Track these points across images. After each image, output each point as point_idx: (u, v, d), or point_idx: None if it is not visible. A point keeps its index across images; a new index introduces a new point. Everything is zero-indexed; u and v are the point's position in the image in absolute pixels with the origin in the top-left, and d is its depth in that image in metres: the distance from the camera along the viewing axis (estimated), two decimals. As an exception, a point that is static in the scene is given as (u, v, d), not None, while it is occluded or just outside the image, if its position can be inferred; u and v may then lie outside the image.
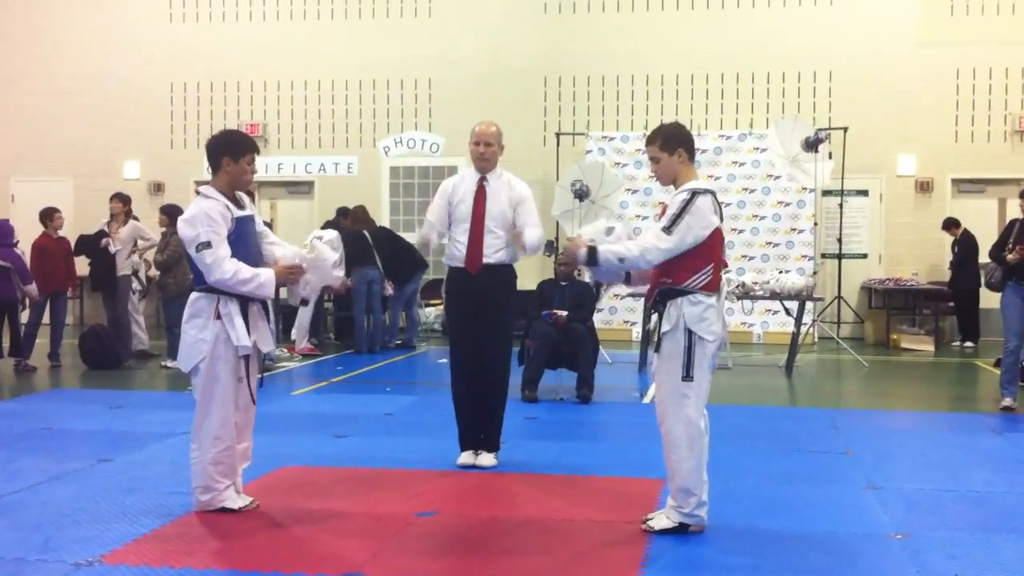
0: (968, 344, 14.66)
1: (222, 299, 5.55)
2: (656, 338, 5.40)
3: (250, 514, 5.66)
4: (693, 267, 5.28)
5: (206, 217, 5.50)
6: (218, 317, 5.53)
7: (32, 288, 11.75)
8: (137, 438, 8.08)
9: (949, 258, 14.95)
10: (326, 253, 5.92)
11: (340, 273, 6.04)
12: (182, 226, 5.57)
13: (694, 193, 5.27)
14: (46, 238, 12.32)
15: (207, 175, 5.81)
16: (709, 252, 5.31)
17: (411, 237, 14.57)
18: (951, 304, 15.13)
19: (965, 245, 14.53)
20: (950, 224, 14.87)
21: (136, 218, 13.23)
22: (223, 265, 5.44)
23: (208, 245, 5.44)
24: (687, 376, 5.25)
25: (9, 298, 11.62)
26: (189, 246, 5.51)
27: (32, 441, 7.87)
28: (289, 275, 5.72)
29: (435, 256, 13.08)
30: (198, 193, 5.70)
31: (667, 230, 5.23)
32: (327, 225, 14.04)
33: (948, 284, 14.97)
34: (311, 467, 6.90)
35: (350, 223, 13.67)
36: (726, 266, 5.51)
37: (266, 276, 5.58)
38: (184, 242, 5.58)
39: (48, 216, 12.49)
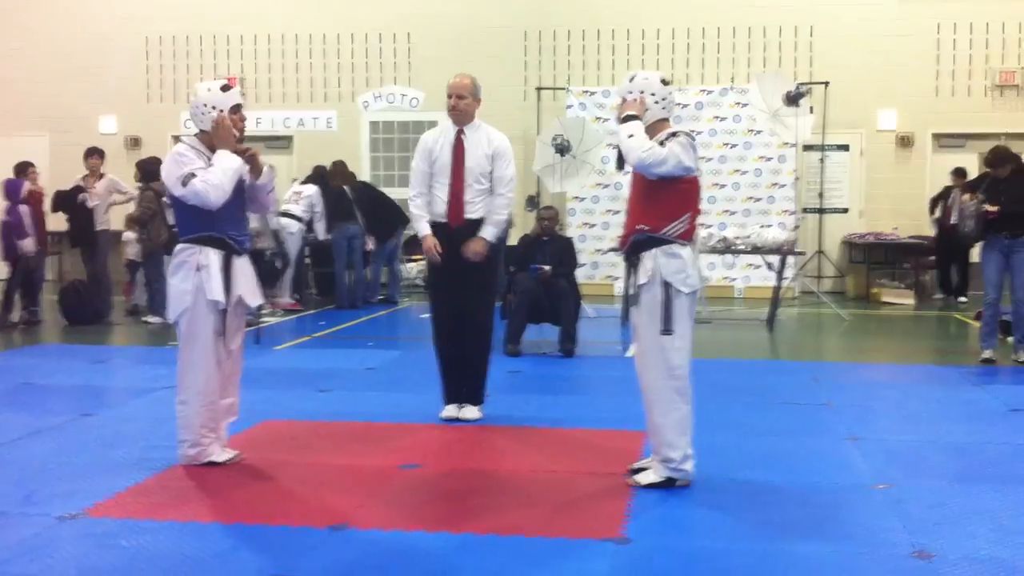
0: (963, 299, 14.48)
1: (203, 250, 5.52)
2: (633, 291, 5.38)
3: (235, 467, 5.66)
4: (671, 214, 5.25)
5: (179, 156, 5.51)
6: (199, 269, 5.50)
7: (26, 243, 11.64)
8: (119, 393, 8.08)
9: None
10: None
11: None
12: (163, 174, 5.56)
13: (676, 132, 5.26)
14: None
15: (184, 129, 5.76)
16: (687, 199, 5.29)
17: (392, 192, 14.52)
18: (932, 258, 15.15)
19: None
20: (961, 173, 14.51)
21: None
22: (212, 179, 5.40)
23: (193, 175, 5.41)
24: (666, 330, 5.23)
25: (12, 253, 11.58)
26: (175, 188, 5.45)
27: (12, 396, 7.84)
28: (229, 140, 5.57)
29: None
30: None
31: (661, 144, 5.19)
32: (306, 181, 13.99)
33: (940, 235, 14.68)
34: (295, 421, 6.89)
35: (331, 178, 13.60)
36: (700, 214, 5.47)
37: (225, 155, 5.50)
38: (169, 188, 5.53)
39: (23, 170, 12.34)
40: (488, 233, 6.74)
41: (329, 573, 4.18)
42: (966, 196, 9.42)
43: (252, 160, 5.66)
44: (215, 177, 5.42)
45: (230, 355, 5.72)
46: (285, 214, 13.12)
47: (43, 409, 7.22)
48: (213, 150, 5.57)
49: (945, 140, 15.77)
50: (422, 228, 6.88)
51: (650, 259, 5.26)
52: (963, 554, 4.40)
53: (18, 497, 5.11)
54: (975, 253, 11.94)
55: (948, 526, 4.77)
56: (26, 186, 11.80)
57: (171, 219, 11.18)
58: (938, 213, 14.47)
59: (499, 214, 6.77)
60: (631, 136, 5.24)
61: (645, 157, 5.18)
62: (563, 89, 15.95)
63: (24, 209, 11.64)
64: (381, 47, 16.89)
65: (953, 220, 13.64)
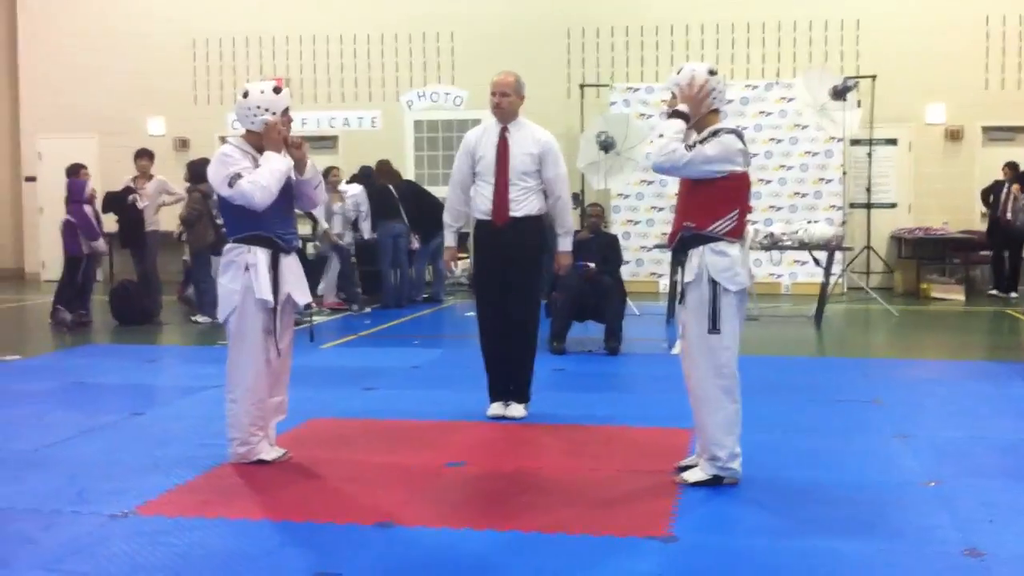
0: (1014, 294, 14.29)
1: (252, 250, 5.56)
2: (680, 288, 5.36)
3: (282, 465, 5.70)
4: (716, 211, 5.20)
5: (225, 157, 5.54)
6: (247, 268, 5.54)
7: (98, 243, 11.88)
8: (169, 392, 8.17)
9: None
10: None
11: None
12: (209, 175, 5.60)
13: (720, 130, 5.22)
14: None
15: (231, 130, 5.81)
16: (733, 196, 5.23)
17: (436, 191, 14.53)
18: (983, 253, 14.95)
19: None
20: (1013, 167, 14.45)
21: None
22: (259, 180, 5.44)
23: (239, 175, 5.44)
24: (714, 328, 5.20)
25: (75, 253, 11.73)
26: (221, 188, 5.49)
27: (65, 396, 7.95)
28: (279, 142, 5.61)
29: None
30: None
31: (689, 148, 5.17)
32: (352, 180, 14.06)
33: (991, 230, 14.61)
34: (341, 419, 6.94)
35: (376, 177, 13.66)
36: (750, 211, 5.42)
37: (271, 156, 5.55)
38: (215, 188, 5.58)
39: (74, 172, 12.49)
40: (565, 244, 6.89)
41: (376, 570, 4.20)
42: (1015, 188, 9.30)
43: (298, 153, 5.68)
44: (263, 178, 5.45)
45: (280, 354, 5.76)
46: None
47: (94, 408, 7.32)
48: (260, 150, 5.61)
49: (995, 133, 15.56)
50: (448, 238, 7.01)
51: (697, 257, 5.23)
52: (1014, 552, 4.35)
53: (70, 495, 5.18)
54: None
55: (999, 524, 4.71)
56: (90, 186, 11.97)
57: (219, 220, 11.34)
58: (989, 207, 14.38)
59: (565, 219, 6.85)
60: (660, 136, 5.25)
61: (662, 161, 5.22)
62: (607, 86, 15.91)
63: (89, 209, 11.80)
64: (424, 46, 16.95)
65: (1008, 215, 13.43)
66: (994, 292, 14.52)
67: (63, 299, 11.87)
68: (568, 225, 6.86)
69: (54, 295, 11.98)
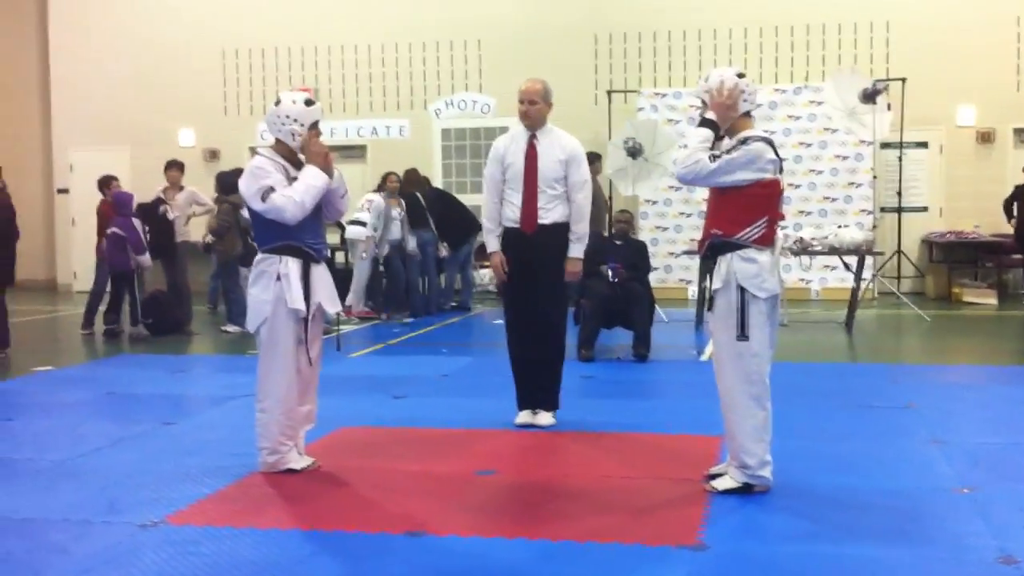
0: None
1: (283, 260, 5.57)
2: (708, 295, 5.34)
3: (312, 474, 5.71)
4: (742, 219, 5.18)
5: (257, 170, 5.55)
6: (279, 278, 5.55)
7: (145, 258, 11.85)
8: (199, 401, 8.21)
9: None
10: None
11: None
12: (241, 188, 5.60)
13: (748, 139, 5.19)
14: (105, 205, 12.47)
15: (261, 141, 5.83)
16: (762, 204, 5.20)
17: (464, 199, 14.55)
18: (1016, 256, 14.78)
19: None
20: None
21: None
22: (294, 196, 5.46)
23: (272, 188, 5.46)
24: (742, 335, 5.17)
25: (126, 267, 11.72)
26: (253, 201, 5.50)
27: (96, 406, 8.01)
28: (321, 157, 5.63)
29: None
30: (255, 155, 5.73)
31: (712, 159, 5.16)
32: (378, 188, 14.08)
33: (1020, 235, 14.11)
34: (370, 427, 6.95)
35: (404, 186, 13.67)
36: (783, 219, 5.40)
37: (310, 170, 5.56)
38: (247, 201, 5.58)
39: (106, 184, 12.62)
40: (577, 251, 6.81)
41: (406, 579, 4.20)
42: None
43: (325, 161, 5.70)
44: (298, 194, 5.47)
45: (311, 363, 5.77)
46: (356, 222, 13.22)
47: (126, 418, 7.36)
48: (290, 160, 5.63)
49: (1027, 135, 15.41)
50: (491, 243, 6.92)
51: (725, 263, 5.21)
52: (1051, 560, 4.29)
53: (101, 505, 5.21)
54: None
55: (1035, 531, 4.66)
56: (135, 199, 11.99)
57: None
58: (1015, 213, 14.02)
59: (582, 226, 6.78)
60: (686, 145, 5.24)
61: (685, 172, 5.24)
62: (634, 91, 15.88)
63: (137, 223, 11.82)
64: (452, 54, 16.98)
65: None
66: None
67: (115, 313, 11.84)
68: (582, 231, 6.80)
69: (105, 315, 11.90)
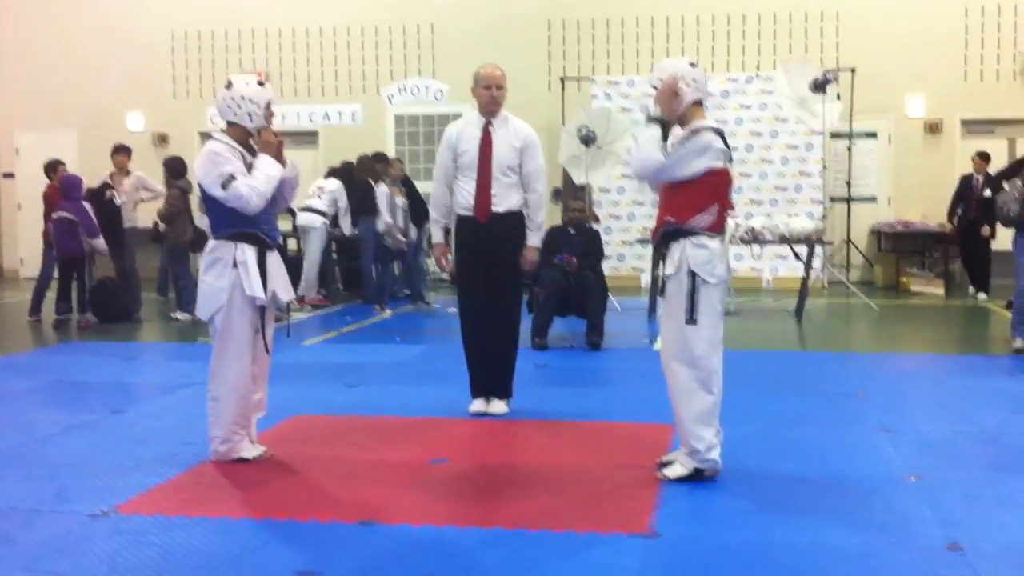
0: (982, 295, 13.72)
1: (239, 247, 5.52)
2: (661, 281, 5.40)
3: (264, 463, 5.67)
4: (696, 206, 5.25)
5: (214, 155, 5.47)
6: (235, 265, 5.50)
7: (99, 242, 11.62)
8: (149, 389, 8.12)
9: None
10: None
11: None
12: (198, 174, 5.52)
13: (699, 130, 5.24)
14: (51, 189, 12.29)
15: (211, 125, 5.77)
16: (712, 192, 5.27)
17: (417, 186, 14.47)
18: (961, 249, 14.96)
19: (998, 186, 13.68)
20: (985, 157, 13.91)
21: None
22: (258, 186, 5.43)
23: (233, 176, 5.40)
24: (691, 319, 5.23)
25: (76, 252, 11.50)
26: (212, 188, 5.44)
27: (44, 393, 7.91)
28: (274, 147, 5.61)
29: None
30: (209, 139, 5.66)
31: (666, 154, 5.23)
32: (330, 173, 14.00)
33: (963, 228, 14.01)
34: (323, 416, 6.91)
35: (357, 172, 13.57)
36: (732, 209, 5.47)
37: (266, 160, 5.54)
38: (205, 187, 5.51)
39: (52, 168, 12.45)
40: (535, 240, 6.82)
41: (359, 568, 4.19)
42: (1019, 182, 9.18)
43: (278, 151, 5.65)
44: (260, 184, 5.43)
45: (268, 351, 5.73)
46: (307, 209, 13.13)
47: (74, 406, 7.27)
48: (244, 145, 5.57)
49: (974, 126, 15.61)
50: (436, 234, 6.93)
51: (678, 249, 5.28)
52: (997, 545, 4.37)
53: (50, 494, 5.15)
54: (1004, 240, 11.76)
55: (981, 517, 4.74)
56: (84, 183, 11.80)
57: (198, 217, 11.29)
58: (960, 209, 13.97)
59: (538, 215, 6.79)
60: (638, 149, 5.37)
61: (640, 171, 5.37)
62: (588, 79, 15.90)
63: (88, 206, 11.61)
64: (405, 39, 16.90)
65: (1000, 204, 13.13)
66: (983, 295, 13.64)
67: (66, 302, 11.64)
68: (539, 220, 6.81)
69: (56, 303, 11.64)
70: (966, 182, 13.97)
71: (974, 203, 13.69)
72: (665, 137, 5.34)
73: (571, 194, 13.62)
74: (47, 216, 12.11)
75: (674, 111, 5.31)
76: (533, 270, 7.24)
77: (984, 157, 13.85)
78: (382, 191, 12.71)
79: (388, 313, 12.48)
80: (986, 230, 13.35)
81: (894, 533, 4.53)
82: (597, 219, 13.74)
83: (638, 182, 5.56)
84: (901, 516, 4.76)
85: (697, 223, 5.24)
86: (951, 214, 14.16)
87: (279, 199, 5.78)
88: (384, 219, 12.58)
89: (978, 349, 9.78)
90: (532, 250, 6.80)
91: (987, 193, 13.40)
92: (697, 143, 5.21)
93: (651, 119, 5.39)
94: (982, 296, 13.62)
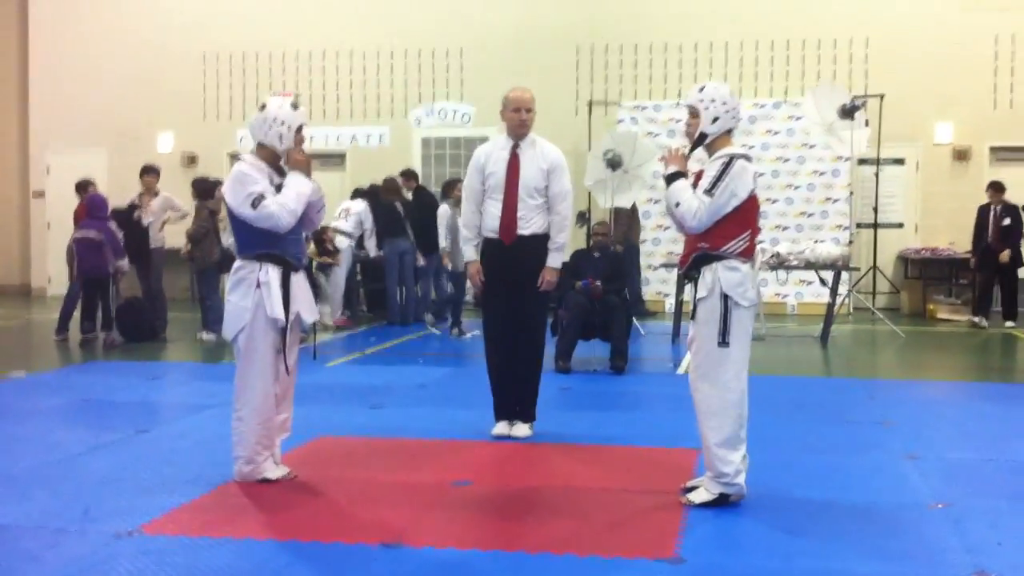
0: (1010, 323, 13.55)
1: (264, 267, 5.55)
2: (693, 304, 5.38)
3: (288, 484, 5.68)
4: (730, 233, 5.26)
5: (243, 176, 5.51)
6: (259, 286, 5.53)
7: (124, 263, 11.71)
8: (174, 409, 8.15)
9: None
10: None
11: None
12: (227, 195, 5.56)
13: (732, 157, 5.25)
14: (82, 208, 12.40)
15: (240, 147, 5.81)
16: (746, 218, 5.29)
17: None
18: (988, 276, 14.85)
19: (1015, 213, 13.69)
20: (998, 187, 13.86)
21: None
22: (288, 203, 5.46)
23: (262, 196, 5.44)
24: (723, 342, 5.23)
25: (102, 273, 11.56)
26: (241, 209, 5.47)
27: (70, 413, 7.94)
28: (303, 162, 5.65)
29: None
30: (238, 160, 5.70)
31: (708, 192, 5.21)
32: (356, 194, 14.06)
33: (982, 255, 13.86)
34: (347, 437, 6.92)
35: (382, 194, 13.64)
36: (758, 234, 5.48)
37: (296, 178, 5.57)
38: (233, 210, 5.54)
39: (83, 188, 12.56)
40: (555, 261, 6.78)
41: (382, 591, 4.19)
42: None
43: (308, 171, 5.68)
44: (291, 202, 5.47)
45: (289, 371, 5.75)
46: (334, 231, 13.19)
47: (100, 426, 7.30)
48: (273, 166, 5.61)
49: (1003, 153, 15.55)
50: (468, 253, 6.92)
51: (711, 273, 5.28)
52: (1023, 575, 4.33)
53: (76, 514, 5.17)
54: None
55: (1008, 546, 4.69)
56: (109, 203, 11.89)
57: (224, 238, 11.35)
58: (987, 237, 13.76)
59: (560, 237, 6.77)
60: (678, 203, 5.28)
61: (694, 225, 5.27)
62: (615, 103, 15.93)
63: (114, 226, 11.70)
64: (433, 63, 16.99)
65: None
66: (983, 323, 13.47)
67: (91, 321, 11.71)
68: (561, 242, 6.79)
69: (80, 322, 11.74)
70: (983, 213, 13.89)
71: (995, 233, 13.61)
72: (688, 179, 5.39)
73: (622, 217, 13.69)
74: (75, 235, 12.22)
75: (708, 135, 5.34)
76: (557, 292, 7.22)
77: (997, 187, 13.80)
78: (443, 212, 12.51)
79: (468, 336, 12.15)
80: (1006, 255, 13.35)
81: (920, 561, 4.49)
82: (621, 243, 13.71)
83: (702, 229, 5.42)
84: (928, 544, 4.72)
85: (731, 250, 5.26)
86: (975, 248, 14.05)
87: (305, 221, 5.81)
88: (441, 243, 12.48)
89: (1006, 377, 9.71)
90: (551, 271, 6.77)
91: (1006, 222, 13.47)
92: (735, 176, 5.21)
93: (671, 176, 5.38)
94: (1009, 324, 13.50)
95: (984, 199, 14.02)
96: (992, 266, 13.67)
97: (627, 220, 14.35)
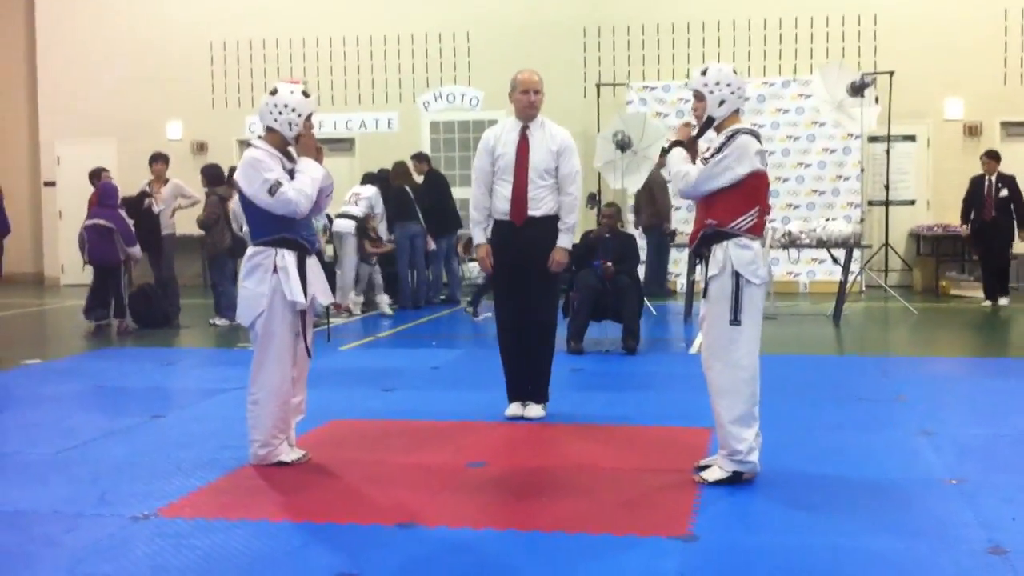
0: (1003, 301, 13.11)
1: (279, 252, 5.56)
2: (704, 283, 5.38)
3: (303, 467, 5.71)
4: (737, 209, 5.25)
5: (257, 163, 5.51)
6: (275, 271, 5.54)
7: (136, 250, 11.76)
8: (188, 394, 8.19)
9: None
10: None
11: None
12: (241, 182, 5.56)
13: (736, 132, 5.24)
14: (96, 196, 12.43)
15: (249, 134, 5.81)
16: (754, 195, 5.27)
17: (453, 192, 14.48)
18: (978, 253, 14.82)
19: (1013, 184, 13.26)
20: (994, 156, 13.36)
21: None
22: (305, 189, 5.47)
23: (279, 183, 5.44)
24: (735, 320, 5.22)
25: (112, 260, 11.60)
26: (258, 195, 5.48)
27: (85, 399, 7.99)
28: (314, 150, 5.67)
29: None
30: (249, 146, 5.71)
31: (705, 160, 5.26)
32: (366, 179, 14.07)
33: (977, 231, 13.38)
34: (361, 420, 6.94)
35: (392, 178, 13.64)
36: (769, 211, 5.47)
37: (308, 163, 5.60)
38: (249, 196, 5.54)
39: (96, 176, 12.59)
40: (565, 241, 6.78)
41: (399, 570, 4.20)
42: None
43: (319, 156, 5.70)
44: (307, 187, 5.48)
45: (310, 355, 5.77)
46: (344, 215, 13.20)
47: (115, 411, 7.34)
48: (282, 151, 5.62)
49: (1014, 128, 15.47)
50: (478, 235, 6.91)
51: (721, 251, 5.27)
52: (1039, 549, 4.32)
53: (92, 498, 5.20)
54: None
55: (1022, 521, 4.68)
56: (120, 191, 11.93)
57: (234, 224, 11.37)
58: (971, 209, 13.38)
59: (570, 218, 6.76)
60: (678, 172, 5.38)
61: (682, 190, 5.38)
62: (623, 85, 15.89)
63: (123, 214, 11.74)
64: (441, 47, 16.97)
65: (994, 212, 12.51)
66: (1004, 299, 13.15)
67: (103, 308, 11.77)
68: (572, 222, 6.78)
69: (92, 310, 11.83)
70: (977, 183, 13.43)
71: (989, 204, 13.18)
72: (693, 154, 5.41)
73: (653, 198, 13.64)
74: (89, 222, 12.25)
75: (716, 118, 5.34)
76: (568, 274, 7.22)
77: (993, 156, 13.37)
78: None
79: (480, 318, 12.18)
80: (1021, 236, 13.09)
81: (935, 536, 4.49)
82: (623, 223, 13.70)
83: (688, 199, 5.52)
84: (942, 519, 4.72)
85: (739, 226, 5.24)
86: (965, 217, 13.62)
87: (314, 207, 5.82)
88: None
89: (1019, 352, 9.68)
90: (561, 251, 6.76)
91: (1004, 193, 13.11)
92: (735, 149, 5.20)
93: (673, 144, 5.45)
94: (1003, 301, 13.11)
95: (1002, 171, 13.54)
96: (987, 242, 13.31)
97: (648, 203, 14.29)
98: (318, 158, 5.68)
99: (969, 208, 13.54)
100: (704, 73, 5.38)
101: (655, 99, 15.47)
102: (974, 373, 8.69)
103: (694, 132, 5.47)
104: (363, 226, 12.58)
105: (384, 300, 12.48)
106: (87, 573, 4.20)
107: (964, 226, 13.72)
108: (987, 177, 13.32)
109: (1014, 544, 4.35)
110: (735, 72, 5.39)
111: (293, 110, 5.58)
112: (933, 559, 4.24)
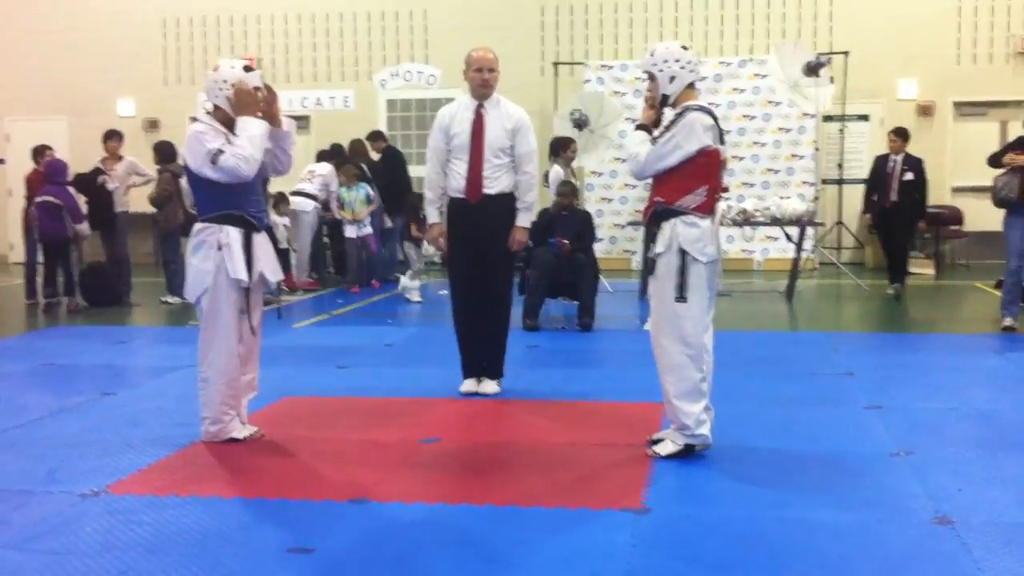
0: (896, 285, 12.06)
1: (224, 229, 5.51)
2: (651, 259, 5.41)
3: (255, 443, 5.68)
4: (683, 187, 5.27)
5: (199, 135, 5.46)
6: (219, 248, 5.49)
7: (84, 227, 11.61)
8: (139, 372, 8.12)
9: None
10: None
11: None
12: (187, 157, 5.50)
13: (686, 109, 5.25)
14: (35, 174, 12.30)
15: (202, 111, 5.73)
16: (701, 172, 5.28)
17: (410, 170, 14.42)
18: (952, 228, 15.01)
19: (919, 167, 12.12)
20: (902, 134, 12.21)
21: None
22: (243, 151, 5.38)
23: (220, 151, 5.37)
24: (680, 297, 5.25)
25: (61, 236, 11.44)
26: (203, 168, 5.41)
27: (35, 377, 7.90)
28: (253, 104, 5.54)
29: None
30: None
31: (654, 140, 5.29)
32: (321, 156, 13.98)
33: (879, 215, 12.28)
34: (315, 397, 6.91)
35: (349, 156, 13.56)
36: (725, 190, 5.50)
37: (246, 121, 5.46)
38: (194, 170, 5.48)
39: (40, 153, 12.43)
40: (524, 220, 6.78)
41: (353, 545, 4.20)
42: (1020, 157, 9.11)
43: (270, 108, 5.59)
44: (245, 149, 5.39)
45: (254, 332, 5.72)
46: (299, 193, 13.12)
47: (65, 389, 7.26)
48: (228, 126, 5.55)
49: (966, 108, 15.61)
50: (432, 215, 6.90)
51: (669, 228, 5.29)
52: (985, 519, 4.39)
53: (41, 475, 5.15)
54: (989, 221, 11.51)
55: (970, 492, 4.76)
56: (70, 168, 11.78)
57: (187, 201, 11.27)
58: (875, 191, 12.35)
59: (529, 196, 6.76)
60: (630, 154, 5.43)
61: (633, 169, 5.45)
62: (581, 63, 15.87)
63: (72, 191, 11.59)
64: (398, 24, 16.85)
65: (894, 196, 12.10)
66: (891, 291, 12.03)
67: (53, 286, 11.64)
68: (530, 201, 6.78)
69: (43, 287, 11.76)
70: (880, 164, 12.32)
71: (891, 187, 12.03)
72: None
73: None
74: (29, 200, 12.10)
75: (670, 94, 5.35)
76: (523, 252, 7.22)
77: (901, 134, 12.17)
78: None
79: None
80: (923, 225, 12.80)
81: (884, 508, 4.55)
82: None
83: (640, 179, 5.57)
84: (891, 492, 4.78)
85: (685, 204, 5.26)
86: (867, 202, 12.73)
87: (281, 157, 5.73)
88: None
89: (968, 328, 9.80)
90: (521, 231, 6.77)
91: (908, 176, 11.96)
92: (683, 125, 5.22)
93: (639, 127, 5.48)
94: (890, 290, 12.06)
95: (954, 151, 13.14)
96: (888, 230, 12.24)
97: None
98: (271, 111, 5.59)
99: (872, 191, 12.48)
100: (652, 53, 5.40)
101: (612, 78, 15.46)
102: (924, 349, 8.78)
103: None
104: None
105: (413, 286, 12.16)
106: (37, 550, 4.16)
107: (866, 215, 12.96)
108: (891, 157, 12.16)
109: (960, 515, 4.42)
110: (684, 48, 5.40)
111: (232, 86, 5.51)
112: (881, 530, 4.29)
